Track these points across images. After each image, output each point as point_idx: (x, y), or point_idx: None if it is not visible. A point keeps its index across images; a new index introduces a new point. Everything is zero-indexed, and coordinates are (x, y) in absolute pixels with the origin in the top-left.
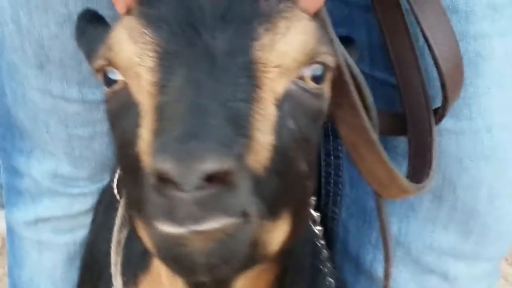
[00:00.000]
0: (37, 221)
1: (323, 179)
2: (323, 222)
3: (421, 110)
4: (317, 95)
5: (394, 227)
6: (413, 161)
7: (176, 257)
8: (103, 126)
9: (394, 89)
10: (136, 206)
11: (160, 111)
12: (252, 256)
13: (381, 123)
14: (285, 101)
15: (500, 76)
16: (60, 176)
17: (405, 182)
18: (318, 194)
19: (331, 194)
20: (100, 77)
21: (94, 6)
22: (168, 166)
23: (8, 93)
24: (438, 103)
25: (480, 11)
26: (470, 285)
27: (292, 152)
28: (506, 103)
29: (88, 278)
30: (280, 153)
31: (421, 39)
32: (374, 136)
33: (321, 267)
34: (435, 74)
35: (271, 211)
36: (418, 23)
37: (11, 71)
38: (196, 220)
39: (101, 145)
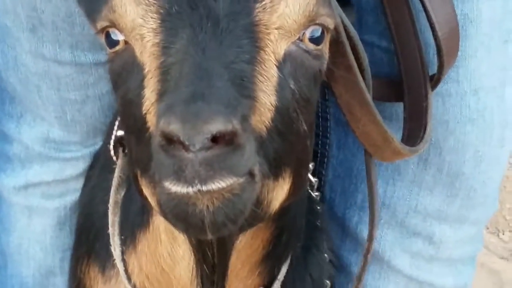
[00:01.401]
0: (27, 186)
1: None
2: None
3: (418, 75)
4: (317, 56)
5: (379, 189)
6: (408, 125)
7: (183, 215)
8: (96, 90)
9: (382, 52)
10: (142, 166)
11: (164, 72)
12: (255, 214)
13: (378, 90)
14: (286, 62)
15: (487, 39)
16: (52, 141)
17: (398, 144)
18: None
19: (318, 155)
20: (102, 38)
21: None
22: (175, 127)
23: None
24: (433, 70)
25: None
26: (455, 248)
27: (293, 112)
28: (493, 66)
29: (85, 239)
30: (282, 113)
31: (418, 5)
32: (369, 97)
33: (319, 226)
34: (431, 40)
35: (274, 171)
36: None
37: (3, 34)
38: (204, 180)
39: (93, 109)
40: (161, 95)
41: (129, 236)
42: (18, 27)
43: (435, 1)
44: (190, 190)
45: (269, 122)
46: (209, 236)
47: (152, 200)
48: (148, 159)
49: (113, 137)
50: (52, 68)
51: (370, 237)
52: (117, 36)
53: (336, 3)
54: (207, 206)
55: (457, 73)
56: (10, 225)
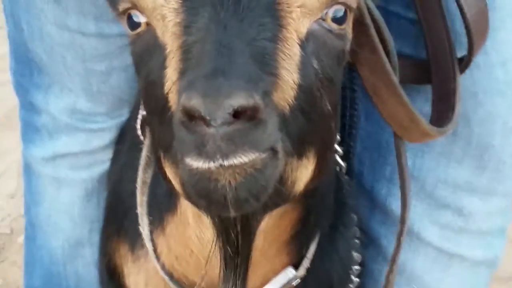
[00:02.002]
0: (55, 157)
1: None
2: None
3: (445, 56)
4: (340, 36)
5: (408, 161)
6: (436, 106)
7: (205, 192)
8: (121, 61)
9: (408, 23)
10: (164, 146)
11: (186, 51)
12: (280, 193)
13: (405, 72)
14: (309, 41)
15: None
16: (78, 112)
17: (426, 125)
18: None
19: (347, 127)
20: (124, 20)
21: None
22: (196, 102)
23: (25, 28)
24: (462, 52)
25: None
26: (484, 220)
27: (316, 91)
28: None
29: (114, 218)
30: (305, 91)
31: None
32: (395, 78)
33: (346, 202)
34: (459, 21)
35: (297, 149)
36: None
37: (28, 5)
38: (226, 154)
39: (119, 80)
40: (182, 73)
41: (157, 218)
42: None
43: None
44: (212, 165)
45: (292, 100)
46: (232, 213)
47: (175, 181)
48: (170, 139)
49: (139, 116)
50: (77, 39)
51: (403, 219)
52: (139, 18)
53: None
54: (229, 182)
55: (485, 44)
56: (39, 196)
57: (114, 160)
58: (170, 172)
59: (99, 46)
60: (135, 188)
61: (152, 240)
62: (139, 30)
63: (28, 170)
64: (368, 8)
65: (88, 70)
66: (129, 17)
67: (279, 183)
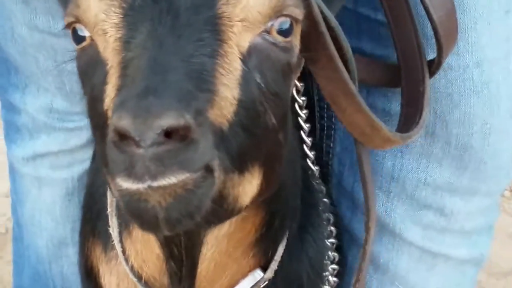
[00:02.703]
0: (35, 156)
1: (317, 114)
2: (319, 158)
3: (414, 58)
4: (285, 48)
5: (388, 163)
6: (405, 110)
7: (137, 212)
8: None
9: (378, 25)
10: (104, 163)
11: (124, 68)
12: (218, 210)
13: (375, 74)
14: (251, 55)
15: (487, 10)
16: (55, 111)
17: (388, 131)
18: (313, 130)
19: (325, 128)
20: (70, 33)
21: None
22: (126, 122)
23: None
24: (434, 54)
25: None
26: (467, 220)
27: (260, 105)
28: (495, 37)
29: (89, 218)
30: (246, 106)
31: None
32: (353, 87)
33: (317, 203)
34: (428, 23)
35: (238, 165)
36: None
37: None
38: (154, 176)
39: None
40: (119, 90)
41: (124, 221)
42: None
43: None
44: (140, 186)
45: (231, 116)
46: (165, 233)
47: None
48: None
49: None
50: (47, 39)
51: (367, 229)
52: (83, 32)
53: None
54: (159, 202)
55: (457, 45)
56: (23, 196)
57: (92, 160)
58: (111, 188)
59: (69, 46)
60: (106, 189)
61: (121, 242)
62: (83, 44)
63: (12, 170)
64: (324, 16)
65: (60, 70)
66: (74, 31)
67: (218, 200)
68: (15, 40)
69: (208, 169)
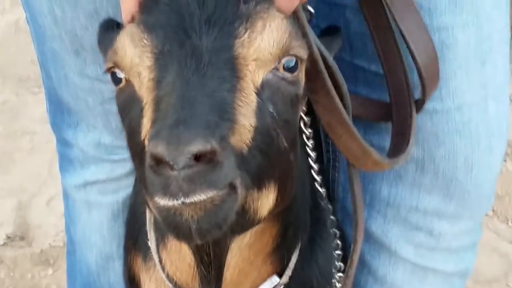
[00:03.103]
0: (86, 184)
1: (323, 148)
2: (327, 184)
3: (404, 95)
4: (293, 82)
5: (384, 191)
6: (394, 140)
7: (173, 225)
8: None
9: (372, 75)
10: (143, 184)
11: (157, 103)
12: (241, 221)
13: (369, 110)
14: (264, 89)
15: (465, 61)
16: (103, 145)
17: (377, 156)
18: (321, 160)
19: (331, 160)
20: (110, 76)
21: (116, 3)
22: (161, 149)
23: (53, 76)
24: (418, 94)
25: (442, 6)
26: (453, 240)
27: (273, 131)
28: (473, 84)
29: (131, 234)
30: (262, 133)
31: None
32: (347, 117)
33: (324, 219)
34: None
35: (256, 182)
36: (395, 22)
37: (54, 57)
38: (186, 193)
39: None
40: (153, 122)
41: (160, 235)
42: (64, 50)
43: (413, 32)
44: (175, 202)
45: (249, 141)
46: (198, 241)
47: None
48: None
49: None
50: (96, 85)
51: (355, 239)
52: (120, 74)
53: (315, 36)
54: (192, 216)
55: (440, 92)
56: (75, 218)
57: (134, 186)
58: (149, 205)
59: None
60: (146, 208)
61: (158, 253)
62: (121, 85)
63: (66, 195)
64: (323, 56)
65: (107, 111)
66: (113, 74)
67: (239, 213)
68: (68, 85)
69: (232, 187)
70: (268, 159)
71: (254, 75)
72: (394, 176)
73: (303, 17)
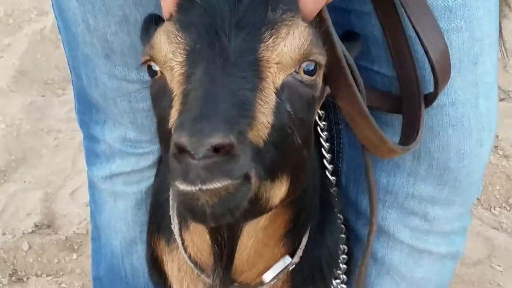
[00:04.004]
0: (112, 176)
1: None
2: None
3: (413, 90)
4: (310, 85)
5: (383, 180)
6: (405, 129)
7: (190, 208)
8: None
9: (375, 74)
10: (168, 168)
11: (185, 96)
12: (254, 209)
13: (382, 103)
14: (283, 90)
15: (458, 62)
16: (128, 140)
17: (392, 144)
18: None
19: (336, 152)
20: (145, 68)
21: (143, 9)
22: (183, 140)
23: (84, 78)
24: (429, 89)
25: (438, 12)
26: (446, 224)
27: (289, 129)
28: (465, 83)
29: (154, 219)
30: (278, 130)
31: (412, 34)
32: (366, 109)
33: (332, 205)
34: (426, 64)
35: (270, 174)
36: (411, 22)
37: (86, 61)
38: (203, 181)
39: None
40: (180, 114)
41: (184, 220)
42: (95, 55)
43: (427, 32)
44: (193, 188)
45: (266, 137)
46: (211, 224)
47: (173, 197)
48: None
49: None
50: (123, 85)
51: (371, 222)
52: (155, 67)
53: (338, 38)
54: (207, 201)
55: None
56: (101, 206)
57: (156, 175)
58: (171, 190)
59: (141, 90)
60: (169, 195)
61: (181, 236)
62: (155, 77)
63: (92, 186)
64: (345, 56)
65: (134, 108)
66: (149, 67)
67: (254, 201)
68: (98, 86)
69: (247, 177)
70: (282, 154)
71: (275, 77)
72: (392, 166)
73: (328, 17)
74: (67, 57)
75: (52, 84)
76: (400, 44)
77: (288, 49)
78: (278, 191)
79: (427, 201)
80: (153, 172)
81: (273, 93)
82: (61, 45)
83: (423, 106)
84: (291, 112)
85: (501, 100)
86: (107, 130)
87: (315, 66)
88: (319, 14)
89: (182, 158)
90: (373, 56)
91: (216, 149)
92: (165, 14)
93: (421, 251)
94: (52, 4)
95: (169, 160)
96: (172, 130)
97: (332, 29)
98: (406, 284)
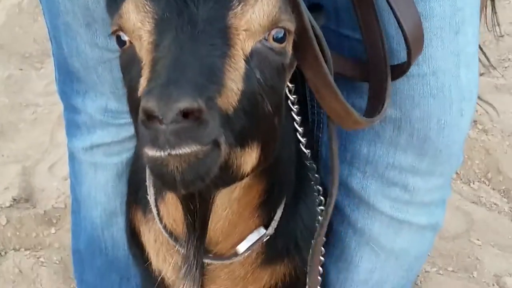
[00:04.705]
0: (92, 147)
1: (309, 111)
2: (311, 144)
3: (380, 62)
4: (280, 53)
5: (364, 149)
6: (371, 101)
7: (160, 174)
8: None
9: (358, 43)
10: (138, 137)
11: (154, 65)
12: (225, 176)
13: (351, 70)
14: (253, 57)
15: (439, 31)
16: (109, 111)
17: (357, 115)
18: (306, 123)
19: (316, 122)
20: (114, 38)
21: None
22: (152, 105)
23: (65, 47)
24: (399, 59)
25: None
26: (425, 194)
27: (258, 96)
28: (447, 52)
29: (132, 190)
30: (248, 97)
31: (381, 5)
32: (331, 79)
33: (308, 177)
34: (394, 33)
35: (240, 141)
36: None
37: (66, 30)
38: (173, 146)
39: None
40: (148, 81)
41: (159, 189)
42: (76, 23)
43: (400, 3)
44: (162, 153)
45: (235, 103)
46: (182, 191)
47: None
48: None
49: None
50: (105, 54)
51: (331, 194)
52: (124, 37)
53: (306, 8)
54: (177, 167)
55: (417, 58)
56: (81, 178)
57: (135, 146)
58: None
59: None
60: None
61: (157, 207)
62: (124, 46)
63: (72, 158)
64: (312, 26)
65: (115, 78)
66: (118, 37)
67: (224, 168)
68: (79, 55)
69: (216, 144)
70: (253, 121)
71: (244, 43)
72: (373, 135)
73: None
74: (47, 27)
75: (30, 58)
76: (369, 16)
77: (256, 15)
78: (249, 158)
79: (407, 171)
80: (133, 143)
81: (242, 60)
82: (39, 18)
83: (389, 78)
84: (261, 80)
85: (481, 75)
86: (88, 101)
87: (284, 33)
88: None
89: (151, 125)
90: (355, 25)
91: (185, 115)
92: None
93: (401, 222)
94: None
95: (138, 127)
96: (142, 98)
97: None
98: (385, 255)
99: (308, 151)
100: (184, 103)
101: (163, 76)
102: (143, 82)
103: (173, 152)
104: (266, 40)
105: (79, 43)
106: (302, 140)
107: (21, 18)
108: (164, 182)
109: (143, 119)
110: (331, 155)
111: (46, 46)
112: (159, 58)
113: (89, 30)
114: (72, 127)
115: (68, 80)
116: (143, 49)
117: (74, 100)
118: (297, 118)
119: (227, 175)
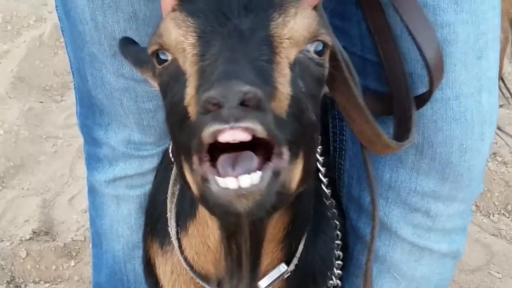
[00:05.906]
0: (115, 179)
1: (331, 138)
2: (331, 173)
3: (402, 92)
4: (319, 64)
5: (386, 175)
6: (397, 129)
7: (217, 203)
8: None
9: (382, 68)
10: (184, 152)
11: (202, 72)
12: (281, 195)
13: (372, 105)
14: (295, 65)
15: (463, 56)
16: (132, 142)
17: (388, 139)
18: (327, 152)
19: (338, 149)
20: (153, 59)
21: (153, 5)
22: (212, 92)
23: (89, 79)
24: (422, 90)
25: (444, 5)
26: (447, 221)
27: (304, 103)
28: (470, 77)
29: (150, 221)
30: (296, 102)
31: (399, 33)
32: (362, 102)
33: (326, 215)
34: (420, 66)
35: (293, 150)
36: (403, 21)
37: (92, 60)
38: (237, 119)
39: (163, 115)
40: (200, 86)
41: (183, 223)
42: (103, 54)
43: (420, 30)
44: (226, 126)
45: (287, 108)
46: (241, 219)
47: (193, 187)
48: (189, 145)
49: (171, 144)
50: (130, 84)
51: (373, 216)
52: (165, 55)
53: (333, 33)
54: (245, 204)
55: (441, 83)
56: (103, 211)
57: (155, 177)
58: (189, 178)
59: (148, 89)
60: (166, 198)
61: (178, 239)
62: (165, 64)
63: (92, 191)
64: (340, 51)
65: (140, 109)
66: (157, 56)
67: (282, 186)
68: (104, 86)
69: (280, 154)
70: (302, 128)
71: (287, 52)
72: (395, 160)
73: (324, 14)
74: (70, 60)
75: (51, 91)
76: (387, 44)
77: (298, 26)
78: (297, 171)
79: (429, 197)
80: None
81: (288, 67)
82: (60, 51)
83: (414, 107)
84: (303, 88)
85: (501, 106)
86: (111, 133)
87: (324, 47)
88: (315, 7)
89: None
90: (365, 45)
91: (244, 103)
92: (166, 9)
93: (422, 249)
94: (57, 5)
95: (197, 123)
96: (189, 106)
97: (327, 24)
98: (406, 282)
99: (329, 190)
100: (247, 87)
101: (219, 72)
102: (190, 91)
103: (237, 125)
104: (307, 51)
105: (104, 74)
106: (324, 180)
107: (41, 51)
108: (221, 212)
109: (202, 112)
110: (368, 178)
111: (66, 79)
112: (207, 65)
113: (115, 60)
114: (93, 160)
115: (91, 113)
116: (188, 61)
117: (96, 133)
118: (320, 158)
119: (281, 195)
